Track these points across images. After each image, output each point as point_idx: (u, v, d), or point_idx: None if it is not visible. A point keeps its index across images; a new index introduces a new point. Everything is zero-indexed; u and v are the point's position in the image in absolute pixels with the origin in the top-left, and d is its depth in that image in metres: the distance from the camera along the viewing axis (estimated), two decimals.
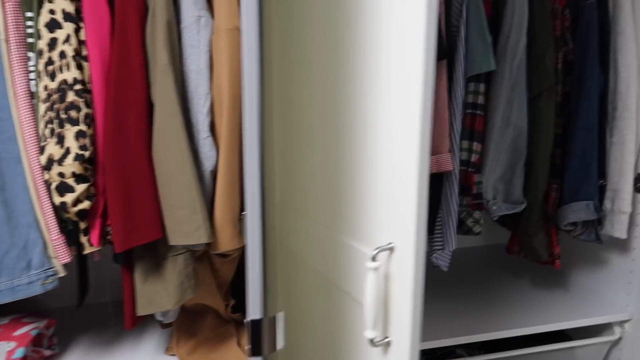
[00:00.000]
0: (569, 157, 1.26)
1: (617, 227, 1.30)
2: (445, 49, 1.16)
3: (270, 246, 1.23)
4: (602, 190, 1.33)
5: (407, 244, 0.61)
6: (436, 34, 0.62)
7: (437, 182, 1.24)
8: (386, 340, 0.65)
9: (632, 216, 1.36)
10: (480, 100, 1.21)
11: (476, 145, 1.22)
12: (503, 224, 1.42)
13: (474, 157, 1.22)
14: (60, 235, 0.94)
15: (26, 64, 0.92)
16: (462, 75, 1.19)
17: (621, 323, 1.41)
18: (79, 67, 0.91)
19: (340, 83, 0.83)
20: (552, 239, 1.33)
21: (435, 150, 1.19)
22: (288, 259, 1.16)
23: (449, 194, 1.22)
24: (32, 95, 0.93)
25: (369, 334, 0.64)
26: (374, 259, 0.62)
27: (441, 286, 1.57)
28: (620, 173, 1.28)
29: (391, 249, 0.64)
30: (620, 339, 1.43)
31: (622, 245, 1.42)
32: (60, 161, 0.88)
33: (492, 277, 1.63)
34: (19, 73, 0.91)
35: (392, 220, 0.65)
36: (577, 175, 1.26)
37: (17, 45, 0.91)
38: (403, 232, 0.62)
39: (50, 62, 0.90)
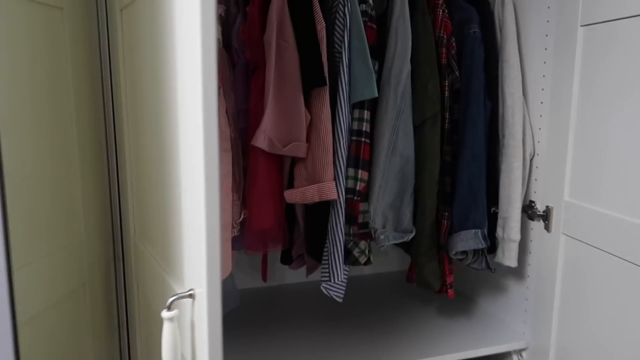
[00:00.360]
0: (457, 185, 1.25)
1: (507, 255, 1.30)
2: (325, 76, 1.13)
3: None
4: (495, 218, 1.33)
5: (202, 291, 0.56)
6: (215, 62, 0.59)
7: (325, 211, 1.21)
8: None
9: (523, 244, 1.36)
10: (366, 127, 1.19)
11: (362, 173, 1.19)
12: (407, 251, 1.40)
13: (359, 186, 1.19)
14: None
15: None
16: (346, 101, 1.17)
17: (519, 351, 1.40)
18: None
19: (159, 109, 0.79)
20: (445, 268, 1.31)
21: (318, 179, 1.16)
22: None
23: (334, 223, 1.18)
24: None
25: None
26: (169, 307, 0.57)
27: (342, 314, 1.52)
28: (508, 201, 1.28)
29: (191, 296, 0.59)
30: None
31: (517, 273, 1.42)
32: None
33: (399, 304, 1.60)
34: None
35: (192, 265, 0.60)
36: (465, 204, 1.25)
37: None
38: (200, 278, 0.57)
39: None
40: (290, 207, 1.29)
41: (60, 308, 1.02)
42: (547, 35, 1.24)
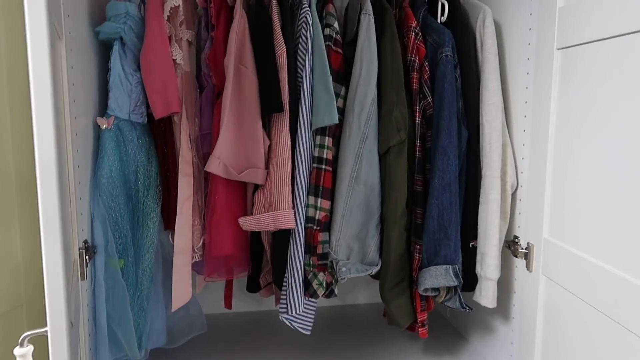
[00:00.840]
0: (426, 217, 1.18)
1: (484, 294, 1.20)
2: (282, 102, 1.11)
3: None
4: (474, 253, 1.24)
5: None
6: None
7: (287, 239, 1.18)
8: None
9: (508, 282, 1.26)
10: (327, 154, 1.15)
11: (322, 202, 1.15)
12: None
13: (320, 215, 1.15)
14: None
15: None
16: (307, 127, 1.14)
17: None
18: None
19: None
20: (417, 304, 1.23)
21: (275, 206, 1.13)
22: None
23: (292, 252, 1.15)
24: None
25: None
26: (21, 344, 0.56)
27: (320, 346, 1.47)
28: (485, 235, 1.19)
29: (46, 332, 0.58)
30: None
31: (503, 313, 1.31)
32: None
33: (383, 339, 1.53)
34: None
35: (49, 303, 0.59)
36: (435, 237, 1.17)
37: None
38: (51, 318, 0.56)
39: None
40: (257, 234, 1.27)
41: None
42: (528, 59, 1.16)
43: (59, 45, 0.87)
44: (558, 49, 1.05)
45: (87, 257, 0.99)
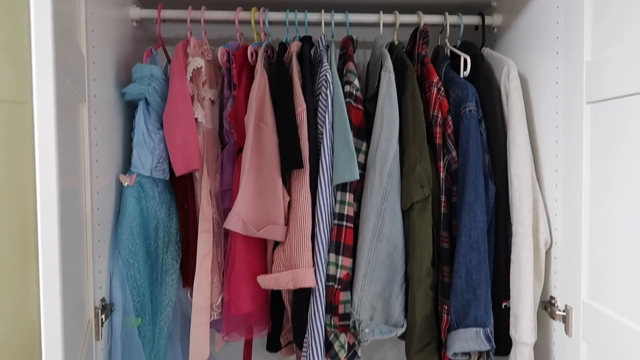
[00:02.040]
0: (454, 276, 1.12)
1: None
2: (302, 159, 1.10)
3: None
4: (507, 313, 1.16)
5: None
6: None
7: (308, 298, 1.14)
8: None
9: (546, 346, 1.17)
10: (348, 211, 1.12)
11: (344, 260, 1.12)
12: None
13: (341, 273, 1.11)
14: None
15: None
16: (328, 184, 1.12)
17: None
18: None
19: None
20: None
21: (294, 264, 1.10)
22: None
23: (313, 312, 1.11)
24: None
25: None
26: None
27: None
28: (518, 297, 1.12)
29: None
30: None
31: None
32: None
33: None
34: None
35: None
36: (464, 298, 1.11)
37: None
38: None
39: None
40: (278, 291, 1.24)
41: None
42: (557, 113, 1.12)
43: (81, 108, 0.90)
44: (588, 103, 1.00)
45: (103, 316, 0.98)
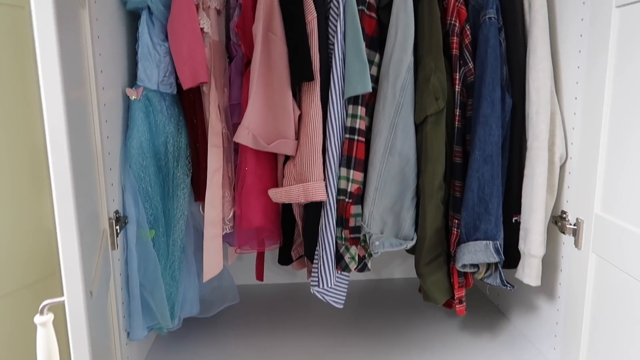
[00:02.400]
0: (466, 190, 1.12)
1: (527, 272, 1.14)
2: (312, 70, 1.07)
3: None
4: (517, 228, 1.17)
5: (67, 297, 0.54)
6: None
7: (319, 212, 1.15)
8: None
9: (555, 260, 1.19)
10: (360, 124, 1.10)
11: (355, 174, 1.11)
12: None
13: (352, 187, 1.11)
14: None
15: None
16: (339, 97, 1.09)
17: None
18: None
19: None
20: (454, 281, 1.18)
21: (305, 178, 1.10)
22: None
23: (324, 225, 1.12)
24: None
25: None
26: (41, 312, 0.56)
27: (354, 320, 1.45)
28: (530, 210, 1.12)
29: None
30: None
31: (548, 292, 1.24)
32: None
33: (422, 315, 1.49)
34: None
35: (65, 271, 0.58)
36: (475, 211, 1.11)
37: None
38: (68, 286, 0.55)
39: None
40: (289, 206, 1.24)
41: (26, 295, 1.06)
42: (582, 20, 1.05)
43: (82, 13, 0.86)
44: (617, 7, 0.94)
45: (117, 227, 1.00)
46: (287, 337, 1.35)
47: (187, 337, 1.35)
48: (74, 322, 0.54)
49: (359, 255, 1.14)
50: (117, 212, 1.03)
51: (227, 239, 1.22)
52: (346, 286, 1.21)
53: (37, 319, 0.56)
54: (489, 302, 1.58)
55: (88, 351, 0.54)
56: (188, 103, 1.17)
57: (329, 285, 1.12)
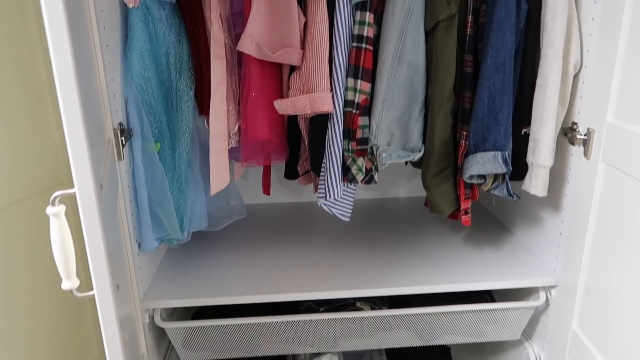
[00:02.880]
0: (476, 100, 1.09)
1: (535, 183, 1.13)
2: None
3: None
4: (526, 140, 1.16)
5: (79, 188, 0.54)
6: None
7: (325, 124, 1.13)
8: (91, 293, 0.61)
9: (562, 172, 1.18)
10: (368, 32, 1.06)
11: (362, 84, 1.08)
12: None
13: (359, 98, 1.09)
14: None
15: None
16: (346, 2, 1.04)
17: (548, 289, 1.27)
18: None
19: None
20: (461, 192, 1.18)
21: (311, 88, 1.07)
22: None
23: (331, 137, 1.11)
24: None
25: (65, 285, 0.59)
26: (53, 203, 0.56)
27: (359, 235, 1.48)
28: (540, 121, 1.09)
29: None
30: (547, 305, 1.29)
31: (554, 204, 1.25)
32: None
33: (426, 230, 1.51)
34: None
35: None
36: (484, 122, 1.09)
37: None
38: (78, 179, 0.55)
39: None
40: (295, 120, 1.23)
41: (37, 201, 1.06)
42: None
43: None
44: None
45: (122, 138, 0.99)
46: (294, 252, 1.38)
47: (196, 250, 1.38)
48: (86, 214, 0.54)
49: (366, 168, 1.13)
50: (121, 124, 1.02)
51: (233, 154, 1.21)
52: (352, 199, 1.22)
53: (49, 209, 0.56)
54: (494, 218, 1.60)
55: (103, 245, 0.55)
56: (189, 12, 1.13)
57: (336, 197, 1.13)
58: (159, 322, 1.19)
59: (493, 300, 1.37)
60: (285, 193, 1.72)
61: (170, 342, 1.32)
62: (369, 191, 1.77)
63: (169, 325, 1.20)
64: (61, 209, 0.56)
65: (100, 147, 0.78)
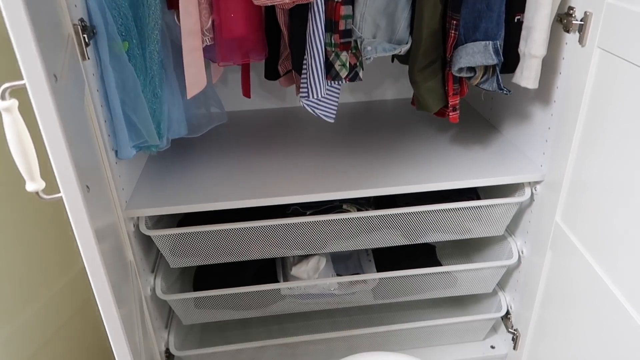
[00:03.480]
0: None
1: (526, 74, 1.09)
2: None
3: None
4: (519, 28, 1.09)
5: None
6: None
7: (306, 17, 1.05)
8: (58, 195, 0.57)
9: (554, 63, 1.13)
10: None
11: None
12: None
13: None
14: None
15: None
16: None
17: (533, 184, 1.27)
18: None
19: None
20: (449, 88, 1.14)
21: None
22: None
23: (312, 30, 1.03)
24: None
25: (29, 187, 0.55)
26: (3, 97, 0.51)
27: (345, 139, 1.44)
28: (536, 5, 1.03)
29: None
30: (531, 200, 1.30)
31: (544, 97, 1.21)
32: None
33: (411, 130, 1.48)
34: None
35: None
36: (476, 8, 1.02)
37: None
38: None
39: None
40: (273, 14, 1.14)
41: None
42: None
43: None
44: None
45: (84, 35, 0.90)
46: (279, 157, 1.35)
47: (178, 158, 1.35)
48: (39, 104, 0.48)
49: (350, 63, 1.07)
50: (82, 20, 0.93)
51: (208, 54, 1.13)
52: (337, 99, 1.16)
53: (0, 104, 0.51)
54: (481, 117, 1.57)
55: (62, 137, 0.50)
56: None
57: (319, 96, 1.07)
58: (145, 230, 1.18)
59: (478, 198, 1.37)
60: (267, 98, 1.65)
61: (158, 251, 1.32)
62: (355, 93, 1.71)
63: (154, 233, 1.18)
64: (13, 102, 0.51)
65: (56, 41, 0.70)
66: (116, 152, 1.07)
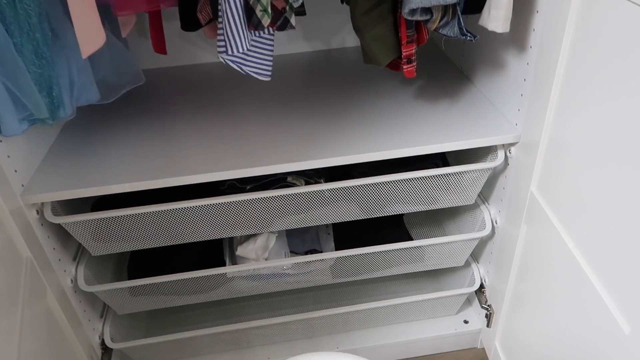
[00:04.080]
0: None
1: (494, 15, 0.88)
2: None
3: None
4: None
5: None
6: None
7: None
8: None
9: (531, 3, 0.93)
10: None
11: None
12: None
13: None
14: None
15: None
16: None
17: (507, 146, 1.09)
18: None
19: None
20: (402, 34, 0.93)
21: None
22: None
23: None
24: None
25: None
26: None
27: (291, 99, 1.25)
28: None
29: None
30: (505, 164, 1.12)
31: (519, 42, 1.01)
32: None
33: (370, 86, 1.28)
34: None
35: None
36: None
37: None
38: None
39: None
40: None
41: None
42: None
43: None
44: None
45: None
46: (210, 123, 1.16)
47: (91, 130, 1.16)
48: None
49: (276, 7, 0.86)
50: None
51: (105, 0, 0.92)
52: (270, 52, 0.96)
53: None
54: (454, 66, 1.37)
55: None
56: None
57: (241, 50, 0.87)
58: (50, 218, 1.01)
59: (445, 162, 1.20)
60: (192, 52, 1.43)
61: None
62: (311, 41, 1.49)
63: (62, 220, 1.01)
64: None
65: None
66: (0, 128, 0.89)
